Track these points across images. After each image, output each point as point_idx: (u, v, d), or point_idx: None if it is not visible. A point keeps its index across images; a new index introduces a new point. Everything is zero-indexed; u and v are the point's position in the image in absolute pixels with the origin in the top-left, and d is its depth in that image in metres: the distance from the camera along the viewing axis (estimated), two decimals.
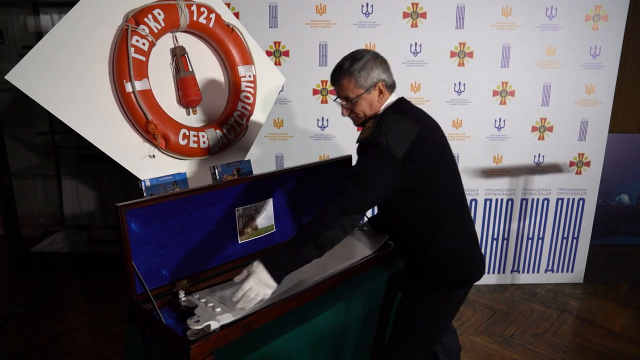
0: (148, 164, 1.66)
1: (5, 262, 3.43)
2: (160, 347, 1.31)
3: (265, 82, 2.04)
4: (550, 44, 2.80)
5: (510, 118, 2.90)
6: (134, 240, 1.34)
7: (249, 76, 1.93)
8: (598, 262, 3.50)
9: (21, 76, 1.41)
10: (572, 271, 3.17)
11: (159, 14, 1.63)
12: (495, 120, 2.91)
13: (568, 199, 3.05)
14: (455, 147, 2.92)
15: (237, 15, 2.65)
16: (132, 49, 1.55)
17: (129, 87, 1.56)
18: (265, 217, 1.76)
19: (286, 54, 2.75)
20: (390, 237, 1.80)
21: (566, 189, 3.03)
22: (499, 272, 3.16)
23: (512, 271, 3.16)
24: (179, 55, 1.75)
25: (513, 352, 2.43)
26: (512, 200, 3.03)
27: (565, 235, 3.11)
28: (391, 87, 1.52)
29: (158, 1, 1.66)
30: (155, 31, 1.63)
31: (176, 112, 1.77)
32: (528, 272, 3.17)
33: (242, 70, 1.91)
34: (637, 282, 3.21)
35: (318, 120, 2.84)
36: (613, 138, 3.55)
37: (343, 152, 2.75)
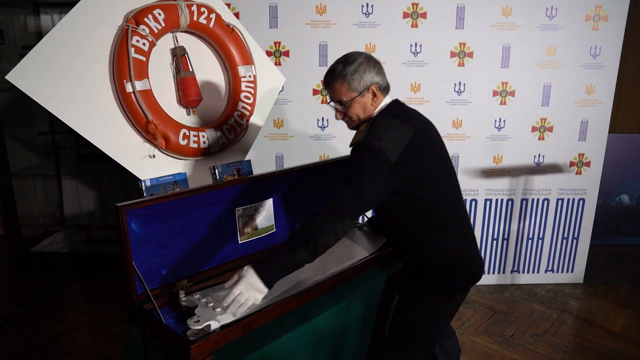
0: (148, 164, 1.66)
1: (5, 262, 3.43)
2: (161, 347, 1.31)
3: (266, 82, 2.05)
4: (551, 44, 2.80)
5: (510, 118, 2.90)
6: (134, 240, 1.34)
7: (249, 76, 1.93)
8: (598, 262, 3.50)
9: (22, 76, 1.41)
10: (572, 271, 3.17)
11: (159, 14, 1.63)
12: (495, 121, 2.91)
13: (568, 199, 3.05)
14: (455, 147, 2.92)
15: (237, 15, 2.65)
16: (132, 49, 1.55)
17: (129, 87, 1.56)
18: (266, 217, 1.76)
19: (286, 54, 2.75)
20: (387, 240, 1.78)
21: (566, 189, 3.03)
22: (499, 272, 3.16)
23: (512, 271, 3.16)
24: (179, 56, 1.75)
25: (513, 353, 2.43)
26: (512, 200, 3.03)
27: (566, 236, 3.11)
28: (385, 89, 1.50)
29: (158, 1, 1.66)
30: (156, 31, 1.63)
31: (176, 112, 1.77)
32: (528, 272, 3.17)
33: (242, 70, 1.91)
34: (637, 282, 3.21)
35: (318, 120, 2.84)
36: (613, 138, 3.55)
37: (343, 152, 2.75)
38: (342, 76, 1.43)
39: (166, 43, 1.73)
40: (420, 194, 1.41)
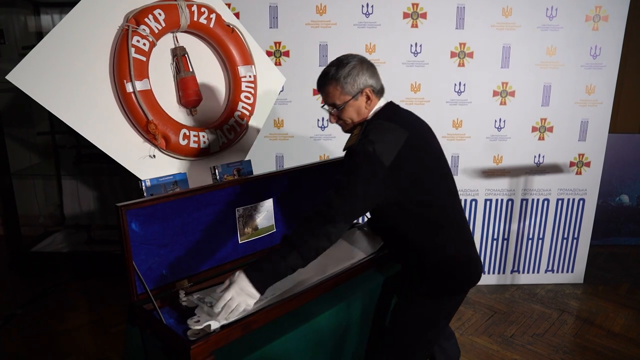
0: (148, 164, 1.66)
1: (5, 262, 3.43)
2: (161, 347, 1.31)
3: (266, 82, 2.05)
4: (551, 44, 2.80)
5: (510, 118, 2.90)
6: (134, 240, 1.34)
7: (250, 76, 1.93)
8: (598, 262, 3.50)
9: (22, 76, 1.41)
10: (572, 271, 3.18)
11: (159, 14, 1.63)
12: (496, 121, 2.91)
13: (568, 200, 3.05)
14: (455, 147, 2.92)
15: (237, 15, 2.65)
16: (132, 49, 1.55)
17: (129, 87, 1.56)
18: (266, 217, 1.76)
19: (286, 54, 2.75)
20: (384, 243, 1.76)
21: (566, 190, 3.03)
22: (499, 273, 3.16)
23: (512, 271, 3.16)
24: (179, 56, 1.75)
25: (513, 353, 2.43)
26: (512, 200, 3.03)
27: (566, 236, 3.11)
28: (379, 92, 1.48)
29: (159, 1, 1.66)
30: (156, 31, 1.63)
31: (176, 112, 1.77)
32: (528, 272, 3.17)
33: (242, 70, 1.91)
34: (637, 282, 3.21)
35: (318, 120, 2.84)
36: (613, 138, 3.56)
37: (343, 152, 2.75)
38: (335, 79, 1.42)
39: (166, 43, 1.74)
40: (416, 196, 1.39)
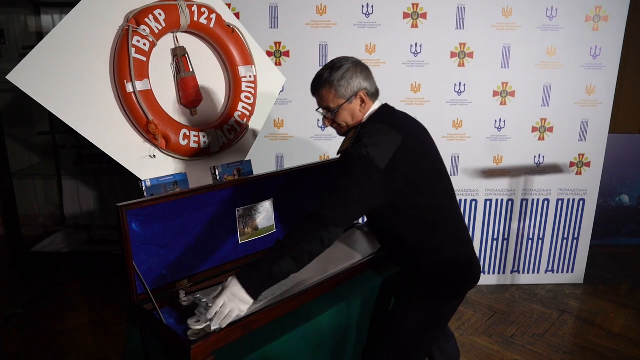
0: (149, 164, 1.67)
1: (5, 262, 3.43)
2: (161, 347, 1.31)
3: (266, 82, 2.05)
4: (551, 44, 2.80)
5: (510, 118, 2.90)
6: (134, 240, 1.34)
7: (250, 76, 1.94)
8: (598, 262, 3.50)
9: (22, 76, 1.41)
10: (572, 272, 3.18)
11: (159, 14, 1.64)
12: (496, 121, 2.91)
13: (568, 200, 3.05)
14: (455, 147, 2.92)
15: (237, 15, 2.65)
16: (133, 49, 1.56)
17: (129, 88, 1.56)
18: (266, 218, 1.76)
19: (286, 54, 2.75)
20: (382, 245, 1.74)
21: (566, 190, 3.03)
22: (499, 273, 3.16)
23: (512, 272, 3.16)
24: (179, 56, 1.75)
25: (513, 353, 2.43)
26: (512, 200, 3.03)
27: (566, 236, 3.11)
28: (374, 95, 1.47)
29: (159, 2, 1.66)
30: (156, 31, 1.63)
31: (177, 113, 1.77)
32: (528, 272, 3.17)
33: (242, 70, 1.91)
34: (637, 282, 3.21)
35: (318, 120, 2.84)
36: (613, 139, 3.56)
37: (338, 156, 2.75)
38: (329, 82, 1.41)
39: (167, 43, 1.74)
40: (411, 198, 1.38)
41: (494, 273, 3.16)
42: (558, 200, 3.04)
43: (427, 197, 1.41)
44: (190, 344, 1.16)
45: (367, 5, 2.71)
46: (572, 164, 3.00)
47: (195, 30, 1.78)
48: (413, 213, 1.40)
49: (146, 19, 1.60)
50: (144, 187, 1.54)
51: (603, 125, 2.95)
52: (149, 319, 1.32)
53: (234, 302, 1.21)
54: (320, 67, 1.49)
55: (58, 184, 3.85)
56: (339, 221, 1.28)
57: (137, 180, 1.57)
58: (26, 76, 1.42)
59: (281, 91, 2.62)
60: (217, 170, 1.76)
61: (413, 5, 2.73)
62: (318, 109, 1.50)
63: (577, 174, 3.01)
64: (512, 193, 3.01)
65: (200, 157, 1.80)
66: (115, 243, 3.34)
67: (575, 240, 3.12)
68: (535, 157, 2.97)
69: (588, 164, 3.00)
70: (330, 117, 1.47)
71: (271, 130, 2.84)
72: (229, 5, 2.30)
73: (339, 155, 1.42)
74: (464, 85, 2.84)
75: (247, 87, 1.93)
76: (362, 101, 1.44)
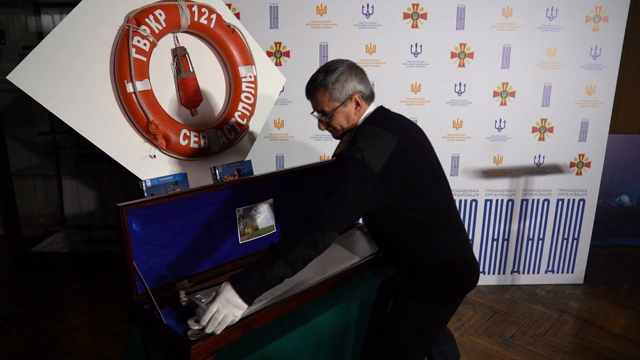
0: (149, 164, 1.67)
1: (5, 262, 3.43)
2: (161, 347, 1.31)
3: (266, 82, 2.05)
4: (551, 44, 2.80)
5: (510, 119, 2.90)
6: (135, 240, 1.34)
7: (250, 77, 1.94)
8: (598, 263, 3.50)
9: (23, 76, 1.41)
10: (572, 272, 3.18)
11: (160, 14, 1.64)
12: (496, 121, 2.91)
13: (568, 200, 3.05)
14: (455, 147, 2.92)
15: (237, 15, 2.65)
16: (133, 50, 1.56)
17: (130, 88, 1.56)
18: (266, 218, 1.76)
19: (287, 54, 2.75)
20: (379, 248, 1.73)
21: (566, 190, 3.03)
22: (499, 273, 3.16)
23: (512, 272, 3.16)
24: (180, 56, 1.75)
25: (513, 353, 2.43)
26: (512, 201, 3.03)
27: (566, 236, 3.11)
28: (369, 97, 1.46)
29: (159, 2, 1.66)
30: (156, 32, 1.63)
31: (177, 113, 1.77)
32: (528, 272, 3.17)
33: (242, 70, 1.91)
34: (637, 283, 3.21)
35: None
36: (613, 139, 3.56)
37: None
38: (323, 86, 1.41)
39: (167, 43, 1.74)
40: (408, 201, 1.37)
41: (494, 273, 3.16)
42: (558, 200, 3.04)
43: (423, 199, 1.40)
44: (190, 344, 1.16)
45: (367, 5, 2.71)
46: (572, 164, 3.00)
47: (196, 30, 1.79)
48: (409, 215, 1.39)
49: (146, 19, 1.60)
50: (144, 187, 1.54)
51: (603, 126, 2.95)
52: (149, 319, 1.32)
53: (227, 308, 1.20)
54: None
55: (58, 184, 3.85)
56: (334, 225, 1.27)
57: (137, 180, 1.57)
58: (26, 76, 1.42)
59: (281, 91, 2.62)
60: (217, 171, 1.76)
61: (413, 5, 2.73)
62: (313, 112, 1.49)
63: (577, 174, 3.01)
64: (512, 193, 3.01)
65: (200, 157, 1.81)
66: (116, 243, 3.34)
67: (575, 241, 3.12)
68: (535, 157, 2.98)
69: (588, 164, 3.00)
70: (325, 120, 1.47)
71: (271, 131, 2.84)
72: (229, 6, 2.30)
73: (334, 159, 1.41)
74: (464, 85, 2.84)
75: (247, 87, 1.93)
76: (357, 104, 1.43)
